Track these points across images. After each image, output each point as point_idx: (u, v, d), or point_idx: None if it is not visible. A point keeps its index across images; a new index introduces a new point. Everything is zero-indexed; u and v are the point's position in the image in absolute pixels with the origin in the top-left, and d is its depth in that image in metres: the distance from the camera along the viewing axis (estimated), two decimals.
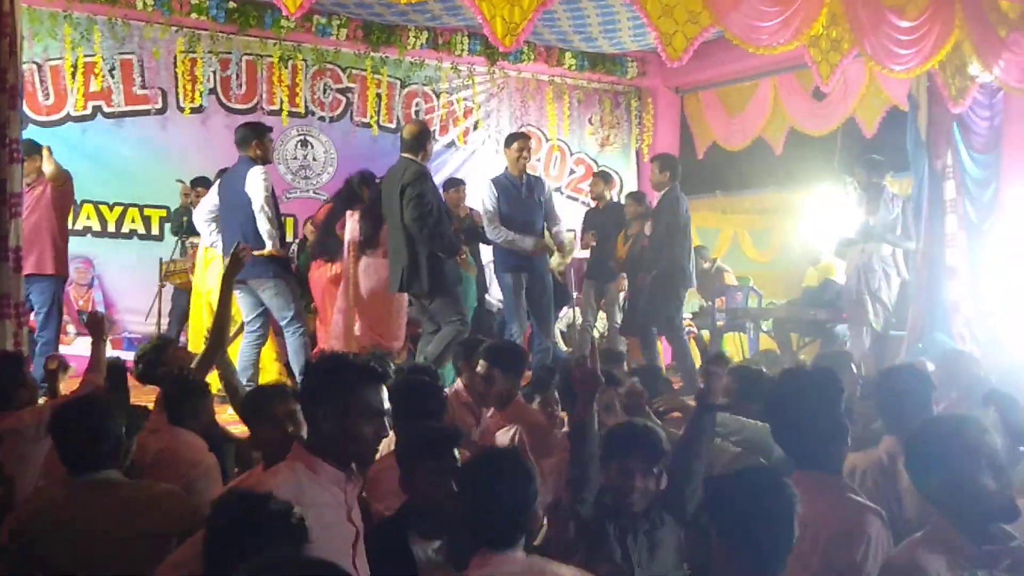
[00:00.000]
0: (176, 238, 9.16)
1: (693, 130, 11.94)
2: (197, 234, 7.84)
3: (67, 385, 5.13)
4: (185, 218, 8.78)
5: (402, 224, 6.81)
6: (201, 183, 8.50)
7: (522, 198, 7.65)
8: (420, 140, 7.03)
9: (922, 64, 7.26)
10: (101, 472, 3.30)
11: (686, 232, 8.24)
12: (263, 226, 6.76)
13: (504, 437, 4.50)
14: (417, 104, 10.89)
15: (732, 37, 6.59)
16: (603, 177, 9.87)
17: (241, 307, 7.01)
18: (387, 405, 2.79)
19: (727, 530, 2.50)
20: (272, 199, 6.93)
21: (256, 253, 6.57)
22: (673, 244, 8.08)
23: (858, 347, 8.08)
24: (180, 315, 8.67)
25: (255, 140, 7.02)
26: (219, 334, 4.92)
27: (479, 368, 5.04)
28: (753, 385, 4.39)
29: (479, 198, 8.08)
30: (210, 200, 7.28)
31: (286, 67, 10.11)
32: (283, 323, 6.99)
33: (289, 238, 9.13)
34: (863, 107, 10.10)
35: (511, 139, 7.95)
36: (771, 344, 9.70)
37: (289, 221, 9.77)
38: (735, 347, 10.16)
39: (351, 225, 7.56)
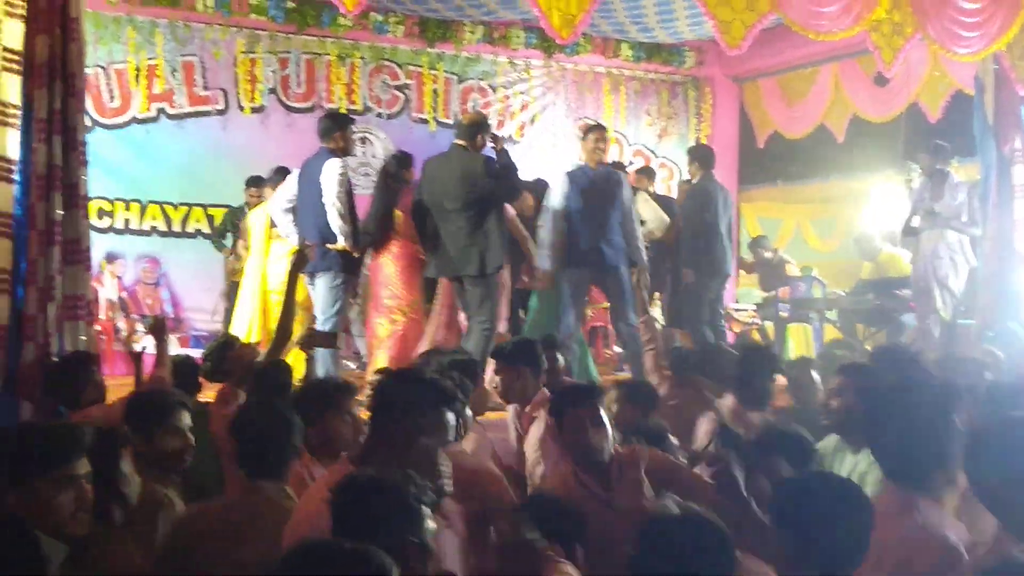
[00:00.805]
0: (217, 238, 9.22)
1: (753, 119, 11.81)
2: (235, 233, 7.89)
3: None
4: (233, 219, 8.89)
5: (468, 206, 6.77)
6: (255, 183, 8.53)
7: (597, 191, 7.38)
8: (476, 129, 7.01)
9: (987, 47, 7.11)
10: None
11: (710, 224, 8.10)
12: (334, 220, 6.56)
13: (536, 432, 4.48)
14: (473, 99, 10.91)
15: (791, 24, 6.51)
16: (645, 173, 9.79)
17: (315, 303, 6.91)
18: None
19: (798, 533, 2.44)
20: (345, 193, 6.71)
21: (329, 247, 6.53)
22: (694, 236, 8.06)
23: (926, 337, 7.94)
24: None
25: (337, 131, 6.83)
26: (284, 330, 4.96)
27: (493, 368, 5.05)
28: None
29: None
30: (288, 190, 7.10)
31: (344, 65, 10.20)
32: (321, 319, 6.70)
33: None
34: (927, 91, 9.91)
35: (588, 131, 7.76)
36: (836, 334, 9.56)
37: None
38: (799, 338, 10.02)
39: None
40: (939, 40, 6.91)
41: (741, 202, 11.95)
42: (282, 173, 7.60)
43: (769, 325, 9.94)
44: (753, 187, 12.09)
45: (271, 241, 7.69)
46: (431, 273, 7.18)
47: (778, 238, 11.38)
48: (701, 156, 8.45)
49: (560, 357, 5.72)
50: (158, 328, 5.01)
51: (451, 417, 2.89)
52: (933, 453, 2.79)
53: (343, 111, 10.14)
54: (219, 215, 9.59)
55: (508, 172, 7.00)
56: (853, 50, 9.39)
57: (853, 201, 11.15)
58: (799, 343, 9.89)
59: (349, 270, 6.79)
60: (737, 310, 10.02)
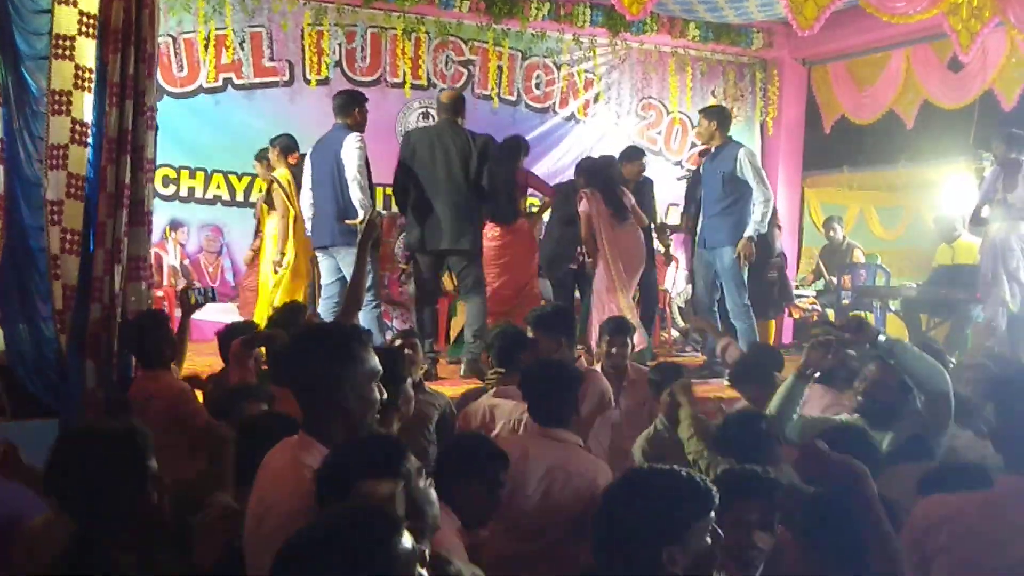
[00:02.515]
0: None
1: (820, 103, 11.61)
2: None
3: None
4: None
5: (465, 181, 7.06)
6: (263, 155, 8.63)
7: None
8: (462, 103, 7.35)
9: None
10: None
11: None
12: (355, 194, 6.75)
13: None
14: (538, 76, 10.86)
15: (866, 5, 6.41)
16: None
17: (321, 270, 7.27)
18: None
19: (820, 545, 2.44)
20: (366, 168, 6.92)
21: (348, 222, 6.69)
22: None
23: (993, 329, 7.78)
24: None
25: (356, 108, 7.06)
26: (355, 296, 4.96)
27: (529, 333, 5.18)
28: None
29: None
30: (306, 170, 7.32)
31: (409, 39, 10.20)
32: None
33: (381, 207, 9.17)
34: (1003, 78, 9.66)
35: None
36: (899, 325, 9.41)
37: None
38: None
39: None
40: (1019, 24, 6.75)
41: (805, 187, 11.80)
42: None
43: (831, 312, 9.81)
44: (818, 172, 11.91)
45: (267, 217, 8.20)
46: (414, 246, 7.28)
47: (843, 225, 11.21)
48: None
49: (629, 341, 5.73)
50: (185, 303, 5.18)
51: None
52: None
53: (408, 85, 10.21)
54: None
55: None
56: (926, 34, 9.18)
57: (921, 189, 10.97)
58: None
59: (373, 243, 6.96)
60: (799, 296, 9.87)
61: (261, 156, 8.66)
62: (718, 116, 7.73)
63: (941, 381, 3.92)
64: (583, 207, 7.72)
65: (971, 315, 8.56)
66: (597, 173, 7.95)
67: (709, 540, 2.26)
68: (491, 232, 8.12)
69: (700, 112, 8.03)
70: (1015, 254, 7.76)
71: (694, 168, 9.34)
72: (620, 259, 7.67)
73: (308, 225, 7.32)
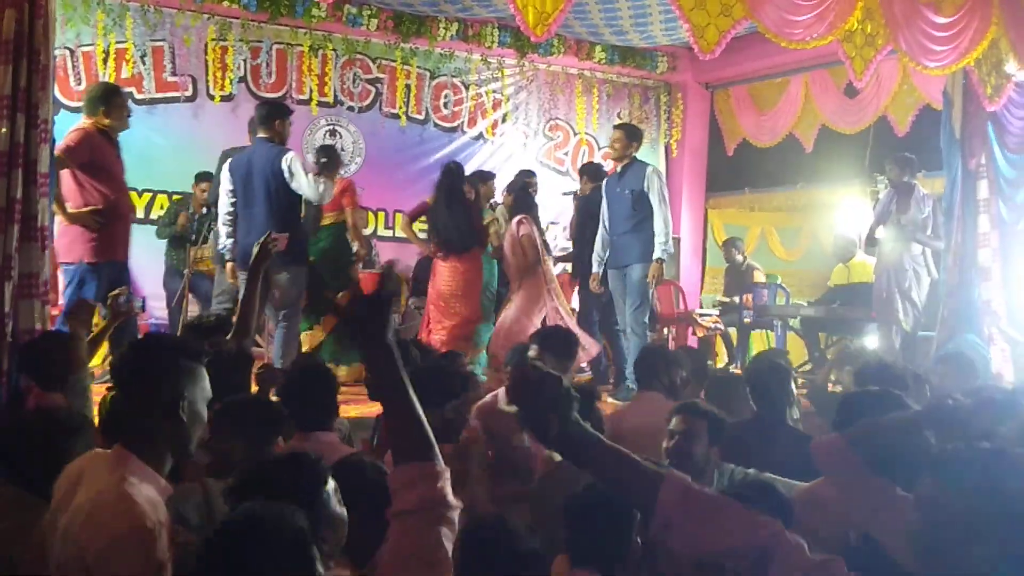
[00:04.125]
0: (163, 226, 9.05)
1: (723, 126, 11.87)
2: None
3: None
4: (177, 210, 8.88)
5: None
6: (205, 178, 8.47)
7: None
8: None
9: (958, 61, 7.17)
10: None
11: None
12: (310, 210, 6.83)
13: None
14: (446, 96, 10.87)
15: (765, 31, 6.52)
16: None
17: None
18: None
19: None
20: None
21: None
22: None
23: (887, 347, 8.01)
24: (203, 299, 8.63)
25: (277, 120, 6.92)
26: (244, 323, 4.87)
27: (531, 352, 5.08)
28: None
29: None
30: (224, 185, 7.02)
31: (316, 56, 10.12)
32: (285, 312, 6.89)
33: None
34: (896, 105, 10.02)
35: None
36: (798, 342, 9.63)
37: None
38: (762, 345, 10.09)
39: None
40: (910, 52, 6.96)
41: (708, 208, 12.03)
42: None
43: (732, 331, 9.99)
44: (721, 194, 12.16)
45: None
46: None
47: (744, 245, 11.44)
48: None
49: None
50: (116, 308, 4.98)
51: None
52: None
53: (314, 103, 10.11)
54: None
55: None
56: (823, 61, 9.47)
57: (819, 211, 11.26)
58: (761, 350, 9.95)
59: (301, 261, 6.97)
60: (701, 315, 10.05)
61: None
62: (636, 135, 7.92)
63: None
64: (526, 230, 7.85)
65: (866, 333, 8.81)
66: (527, 199, 8.30)
67: None
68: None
69: (617, 128, 8.12)
70: (907, 274, 8.02)
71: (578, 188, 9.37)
72: (554, 281, 8.09)
73: (225, 243, 6.99)
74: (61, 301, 6.49)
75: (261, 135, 6.96)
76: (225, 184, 6.98)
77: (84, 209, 6.25)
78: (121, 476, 2.39)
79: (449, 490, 1.99)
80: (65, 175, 6.21)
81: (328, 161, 7.45)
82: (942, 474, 1.98)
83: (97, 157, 6.36)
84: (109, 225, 6.37)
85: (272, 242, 5.17)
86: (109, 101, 6.49)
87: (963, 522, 1.89)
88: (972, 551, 1.88)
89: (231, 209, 6.94)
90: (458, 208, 7.78)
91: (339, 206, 7.93)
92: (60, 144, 6.05)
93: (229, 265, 7.01)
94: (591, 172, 8.85)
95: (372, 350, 2.04)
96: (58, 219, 6.20)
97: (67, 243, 6.32)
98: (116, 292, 5.35)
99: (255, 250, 5.11)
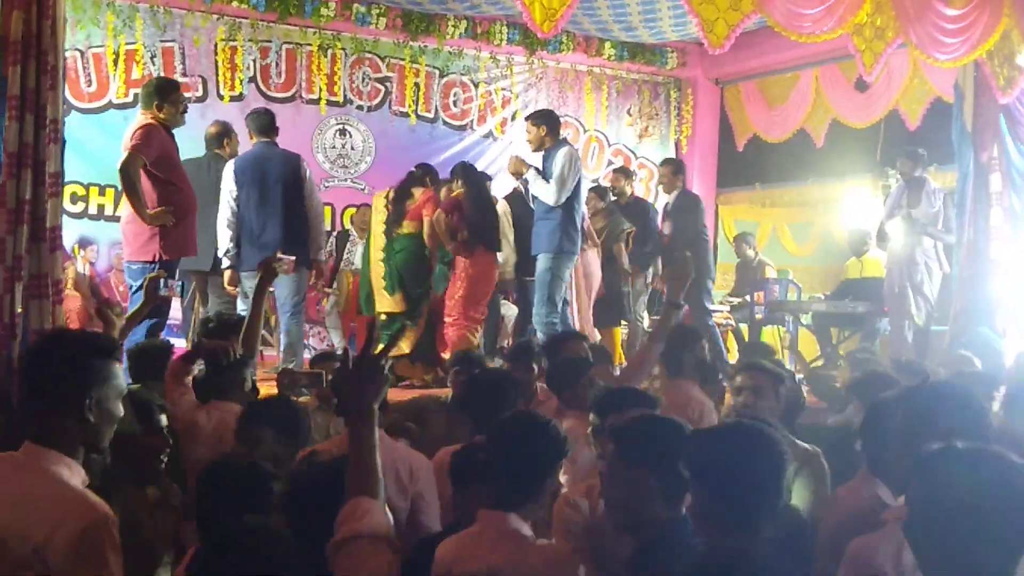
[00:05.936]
0: None
1: (733, 122, 11.83)
2: None
3: None
4: None
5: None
6: None
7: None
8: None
9: (969, 53, 7.14)
10: None
11: None
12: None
13: None
14: (455, 94, 10.87)
15: (774, 24, 6.51)
16: (623, 173, 9.73)
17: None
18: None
19: (709, 482, 2.41)
20: None
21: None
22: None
23: (899, 342, 7.97)
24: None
25: (275, 126, 7.16)
26: (250, 347, 4.80)
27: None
28: None
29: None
30: (228, 185, 6.94)
31: (325, 56, 10.13)
32: (291, 307, 6.90)
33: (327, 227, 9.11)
34: (906, 98, 9.96)
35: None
36: (810, 338, 9.58)
37: (327, 210, 9.74)
38: (773, 341, 10.04)
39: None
40: (920, 45, 6.93)
41: (719, 204, 12.00)
42: None
43: (744, 327, 9.95)
44: (731, 190, 12.12)
45: None
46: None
47: (755, 241, 11.40)
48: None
49: None
50: (150, 291, 4.95)
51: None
52: None
53: (323, 102, 10.13)
54: None
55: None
56: (834, 55, 9.43)
57: (830, 205, 11.20)
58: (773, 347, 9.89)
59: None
60: (712, 311, 10.00)
61: None
62: (546, 120, 7.45)
63: None
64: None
65: (879, 328, 8.77)
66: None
67: None
68: None
69: (527, 119, 7.79)
70: (919, 268, 7.97)
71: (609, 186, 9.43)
72: None
73: (224, 244, 6.87)
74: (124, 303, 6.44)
75: (263, 139, 7.05)
76: (229, 186, 6.90)
77: (158, 209, 6.07)
78: (44, 470, 2.42)
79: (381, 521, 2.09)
80: (142, 175, 6.04)
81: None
82: (931, 475, 1.98)
83: (166, 151, 6.20)
84: (181, 220, 6.19)
85: (279, 263, 5.14)
86: (164, 95, 6.34)
87: (955, 521, 1.89)
88: (966, 550, 1.88)
89: (233, 210, 6.87)
90: (490, 207, 7.66)
91: (419, 216, 7.54)
92: (129, 143, 5.99)
93: (228, 273, 6.89)
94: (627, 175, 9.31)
95: (354, 419, 2.14)
96: (125, 218, 6.17)
97: (142, 243, 6.11)
98: (154, 274, 5.31)
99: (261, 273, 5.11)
